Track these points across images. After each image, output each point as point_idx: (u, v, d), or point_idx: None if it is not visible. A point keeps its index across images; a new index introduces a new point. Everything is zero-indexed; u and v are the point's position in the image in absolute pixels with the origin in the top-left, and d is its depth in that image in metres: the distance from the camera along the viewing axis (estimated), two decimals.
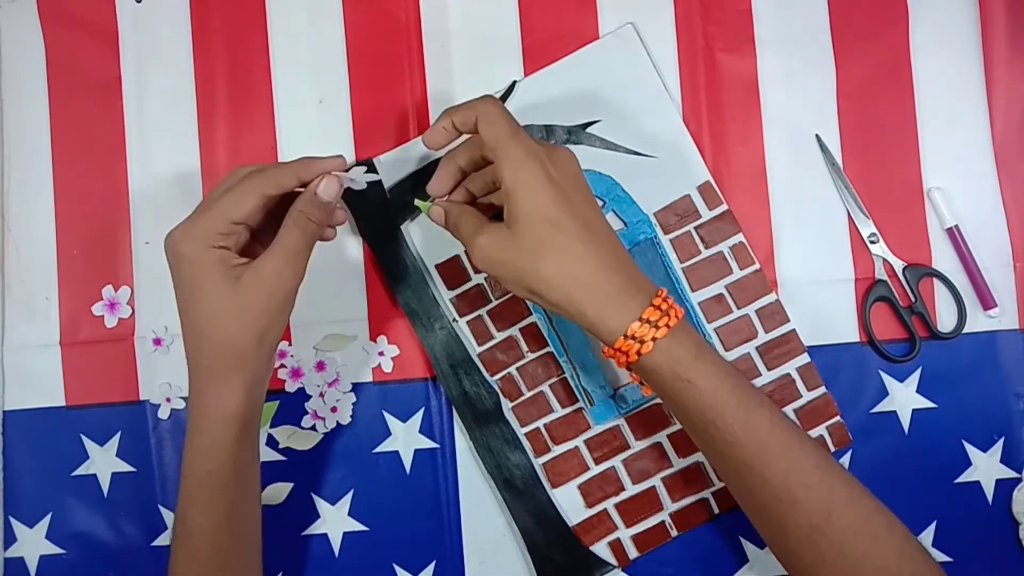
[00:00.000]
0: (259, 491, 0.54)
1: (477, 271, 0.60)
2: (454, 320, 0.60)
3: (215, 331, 0.48)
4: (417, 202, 0.53)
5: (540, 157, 0.47)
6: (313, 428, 0.60)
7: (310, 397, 0.60)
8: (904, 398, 0.59)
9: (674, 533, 0.59)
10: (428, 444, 0.60)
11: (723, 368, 0.47)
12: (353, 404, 0.60)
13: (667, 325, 0.46)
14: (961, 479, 0.59)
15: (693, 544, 0.59)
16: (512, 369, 0.60)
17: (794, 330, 0.59)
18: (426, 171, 0.60)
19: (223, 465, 0.49)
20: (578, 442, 0.59)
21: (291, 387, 0.60)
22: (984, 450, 0.59)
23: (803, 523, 0.46)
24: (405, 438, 0.60)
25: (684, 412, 0.48)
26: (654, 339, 0.46)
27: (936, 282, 0.60)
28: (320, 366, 0.60)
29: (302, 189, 0.50)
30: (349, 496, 0.60)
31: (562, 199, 0.46)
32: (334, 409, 0.60)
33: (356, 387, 0.61)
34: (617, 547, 0.59)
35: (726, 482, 0.51)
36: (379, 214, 0.60)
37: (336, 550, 0.60)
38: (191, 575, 0.50)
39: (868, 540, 0.46)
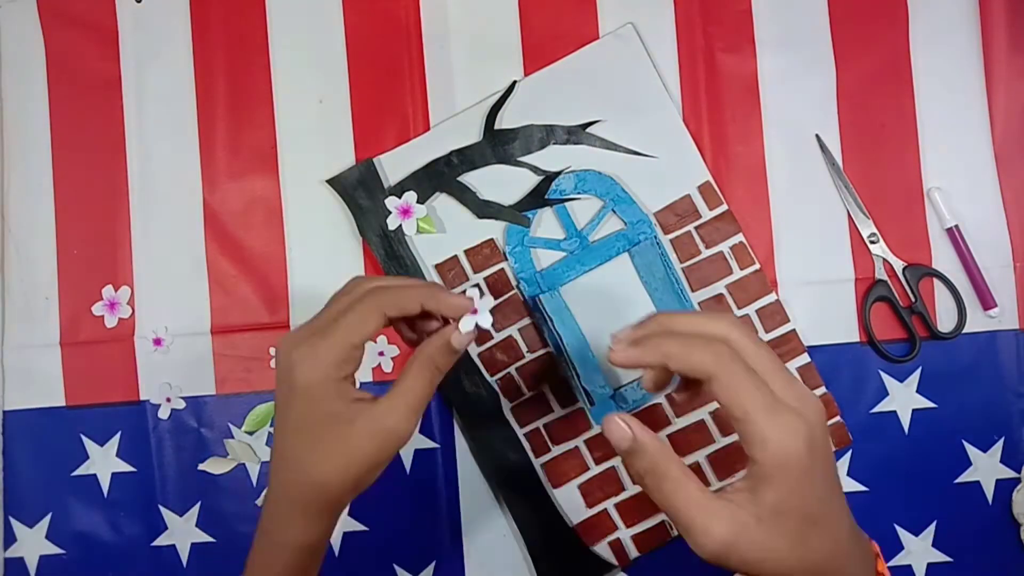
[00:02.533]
0: None
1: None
2: None
3: (314, 471, 0.43)
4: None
5: (803, 437, 0.38)
6: None
7: None
8: (904, 398, 0.59)
9: (674, 533, 0.59)
10: (428, 444, 0.60)
11: None
12: None
13: None
14: (961, 479, 0.59)
15: None
16: (512, 369, 0.60)
17: (794, 330, 0.59)
18: (426, 171, 0.60)
19: None
20: (578, 442, 0.59)
21: None
22: (984, 450, 0.59)
23: None
24: None
25: None
26: None
27: (936, 282, 0.60)
28: None
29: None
30: None
31: (823, 487, 0.39)
32: None
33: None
34: (617, 547, 0.59)
35: None
36: (379, 214, 0.60)
37: (336, 550, 0.60)
38: None
39: None
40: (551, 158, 0.60)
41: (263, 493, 0.46)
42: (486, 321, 0.44)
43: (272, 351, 0.61)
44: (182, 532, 0.61)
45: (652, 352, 0.40)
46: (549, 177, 0.60)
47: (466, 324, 0.44)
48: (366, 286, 0.45)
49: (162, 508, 0.61)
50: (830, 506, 0.39)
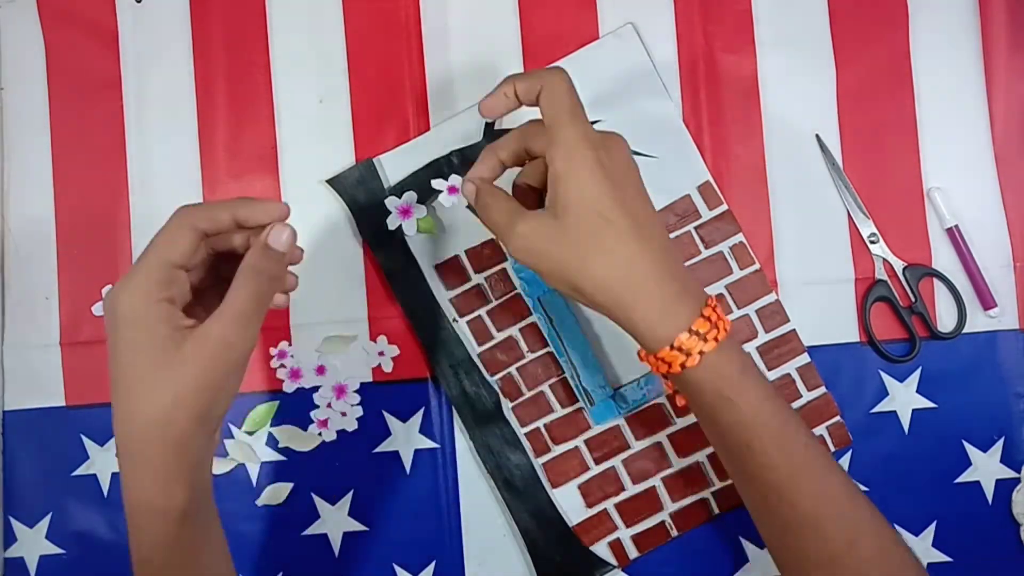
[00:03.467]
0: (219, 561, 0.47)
1: (481, 267, 0.60)
2: (454, 320, 0.60)
3: (147, 409, 0.40)
4: (435, 183, 0.52)
5: (595, 144, 0.44)
6: (318, 434, 0.61)
7: (317, 406, 0.60)
8: (904, 398, 0.59)
9: (674, 533, 0.59)
10: (428, 444, 0.60)
11: (766, 388, 0.45)
12: (358, 417, 0.60)
13: (716, 339, 0.44)
14: (961, 479, 0.59)
15: (693, 544, 0.59)
16: (512, 369, 0.60)
17: (794, 330, 0.59)
18: (426, 171, 0.60)
19: (167, 565, 0.43)
20: (578, 442, 0.59)
21: (289, 387, 0.60)
22: (984, 450, 0.59)
23: (824, 551, 0.45)
24: (405, 438, 0.60)
25: (720, 430, 0.46)
26: (701, 352, 0.43)
27: (936, 282, 0.60)
28: (320, 370, 0.60)
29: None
30: (349, 496, 0.60)
31: (615, 192, 0.44)
32: (343, 414, 0.60)
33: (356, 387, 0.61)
34: (617, 547, 0.59)
35: (749, 504, 0.49)
36: (379, 214, 0.60)
37: (336, 550, 0.60)
38: None
39: (887, 571, 0.45)
40: None
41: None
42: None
43: (272, 351, 0.61)
44: None
45: (506, 84, 0.47)
46: None
47: (281, 225, 0.43)
48: (178, 210, 0.43)
49: None
50: (625, 214, 0.44)
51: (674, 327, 0.44)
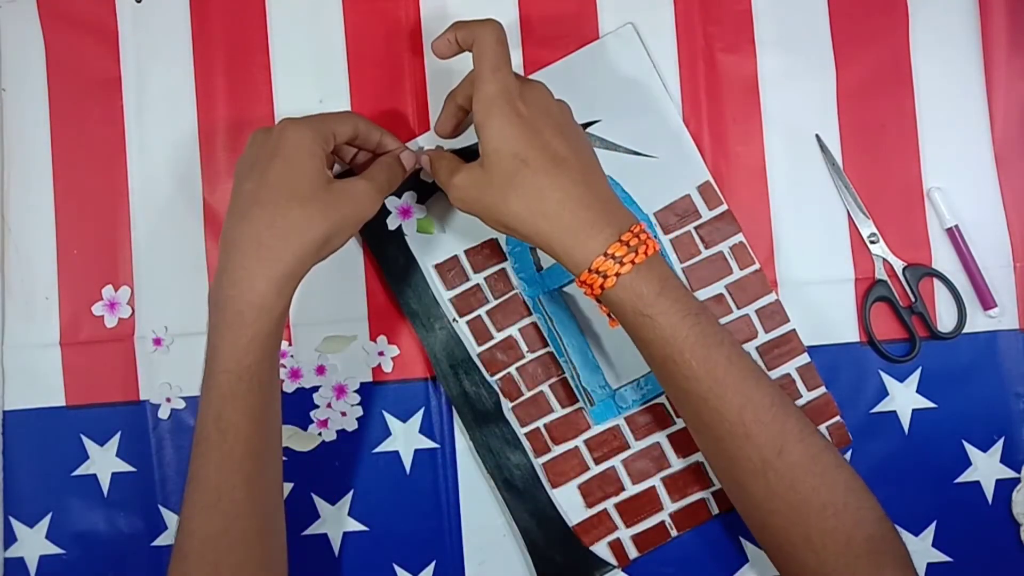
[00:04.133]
0: (280, 395, 0.53)
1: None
2: (454, 320, 0.60)
3: (295, 221, 0.48)
4: (388, 201, 0.57)
5: (511, 93, 0.48)
6: (318, 434, 0.61)
7: (317, 406, 0.60)
8: (904, 398, 0.59)
9: (674, 533, 0.59)
10: (428, 444, 0.60)
11: (686, 305, 0.48)
12: (358, 417, 0.60)
13: (632, 261, 0.47)
14: (961, 479, 0.59)
15: (693, 544, 0.59)
16: (512, 369, 0.60)
17: (794, 330, 0.59)
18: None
19: (262, 360, 0.48)
20: (578, 442, 0.59)
21: (289, 387, 0.60)
22: (984, 450, 0.59)
23: (755, 457, 0.47)
24: (405, 438, 0.60)
25: (644, 345, 0.49)
26: (617, 274, 0.47)
27: (936, 282, 0.60)
28: (320, 370, 0.60)
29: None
30: (349, 496, 0.60)
31: (530, 134, 0.48)
32: (343, 414, 0.60)
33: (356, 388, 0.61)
34: (617, 547, 0.59)
35: (683, 417, 0.52)
36: (379, 214, 0.60)
37: (336, 550, 0.60)
38: (224, 475, 0.48)
39: (817, 476, 0.47)
40: None
41: (215, 281, 0.48)
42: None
43: None
44: None
45: (450, 29, 0.52)
46: None
47: (411, 154, 0.55)
48: (346, 113, 0.55)
49: (162, 508, 0.61)
50: (540, 153, 0.48)
51: (591, 251, 0.47)
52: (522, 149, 0.48)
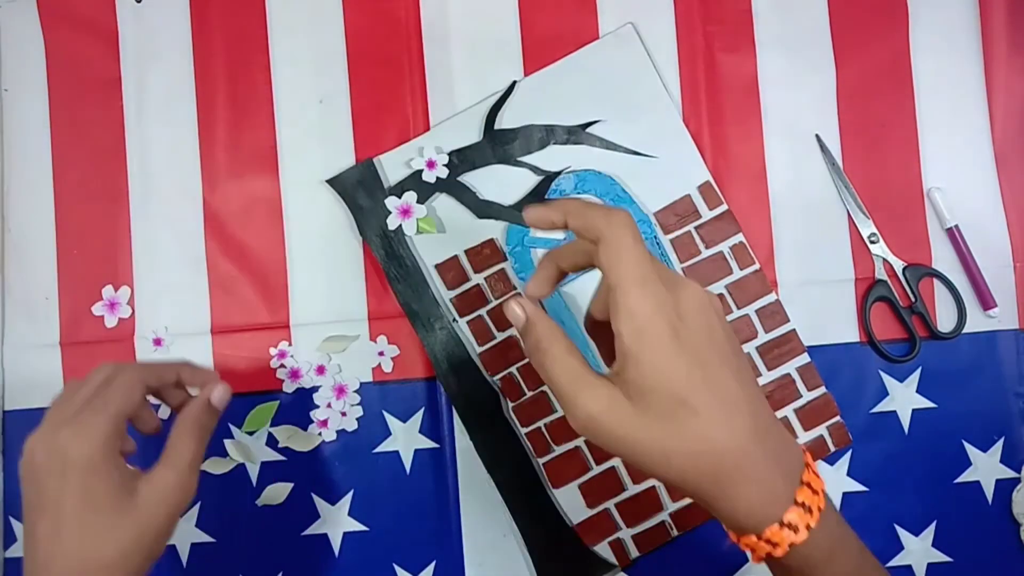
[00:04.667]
0: None
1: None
2: (454, 320, 0.60)
3: (104, 552, 0.42)
4: (388, 201, 0.51)
5: (669, 314, 0.38)
6: (318, 434, 0.61)
7: (317, 406, 0.60)
8: (904, 398, 0.59)
9: (674, 533, 0.59)
10: (428, 444, 0.60)
11: (855, 563, 0.41)
12: (358, 417, 0.60)
13: (807, 526, 0.38)
14: (961, 479, 0.59)
15: (693, 544, 0.59)
16: (512, 369, 0.60)
17: (794, 330, 0.59)
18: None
19: None
20: (579, 442, 0.59)
21: (289, 387, 0.60)
22: (984, 450, 0.59)
23: None
24: (405, 438, 0.60)
25: None
26: (792, 544, 0.38)
27: (936, 282, 0.60)
28: (320, 370, 0.60)
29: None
30: (349, 496, 0.60)
31: (697, 371, 0.37)
32: (343, 414, 0.60)
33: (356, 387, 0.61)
34: (618, 547, 0.59)
35: None
36: (379, 214, 0.60)
37: (336, 550, 0.60)
38: None
39: None
40: (551, 158, 0.60)
41: None
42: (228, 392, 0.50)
43: (272, 351, 0.61)
44: (183, 532, 0.61)
45: (556, 210, 0.41)
46: (549, 177, 0.60)
47: (224, 386, 0.50)
48: (112, 366, 0.47)
49: None
50: (710, 397, 0.37)
51: (765, 518, 0.38)
52: (689, 393, 0.37)
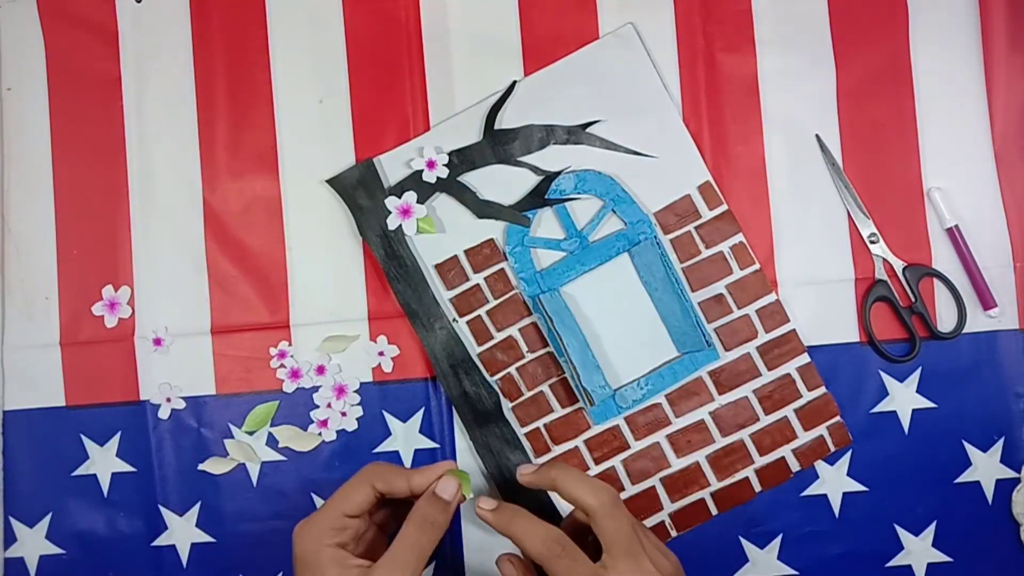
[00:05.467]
0: None
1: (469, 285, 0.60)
2: (454, 320, 0.60)
3: None
4: (388, 201, 0.50)
5: (637, 529, 0.47)
6: (319, 434, 0.61)
7: (317, 406, 0.60)
8: (904, 398, 0.59)
9: (674, 533, 0.59)
10: (428, 444, 0.60)
11: None
12: (358, 417, 0.60)
13: None
14: (961, 479, 0.59)
15: (693, 544, 0.59)
16: (512, 369, 0.60)
17: (794, 330, 0.59)
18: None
19: None
20: (578, 442, 0.59)
21: (289, 387, 0.60)
22: (984, 450, 0.59)
23: None
24: (405, 438, 0.60)
25: None
26: None
27: (936, 282, 0.60)
28: (320, 370, 0.60)
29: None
30: None
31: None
32: (343, 414, 0.60)
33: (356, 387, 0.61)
34: None
35: None
36: (379, 214, 0.60)
37: None
38: None
39: None
40: (551, 158, 0.60)
41: None
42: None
43: (272, 351, 0.61)
44: (182, 532, 0.61)
45: (543, 477, 0.50)
46: (549, 177, 0.60)
47: (450, 477, 0.50)
48: (367, 468, 0.49)
49: (162, 508, 0.61)
50: None
51: None
52: None
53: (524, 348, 0.60)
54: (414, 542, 0.47)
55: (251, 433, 0.61)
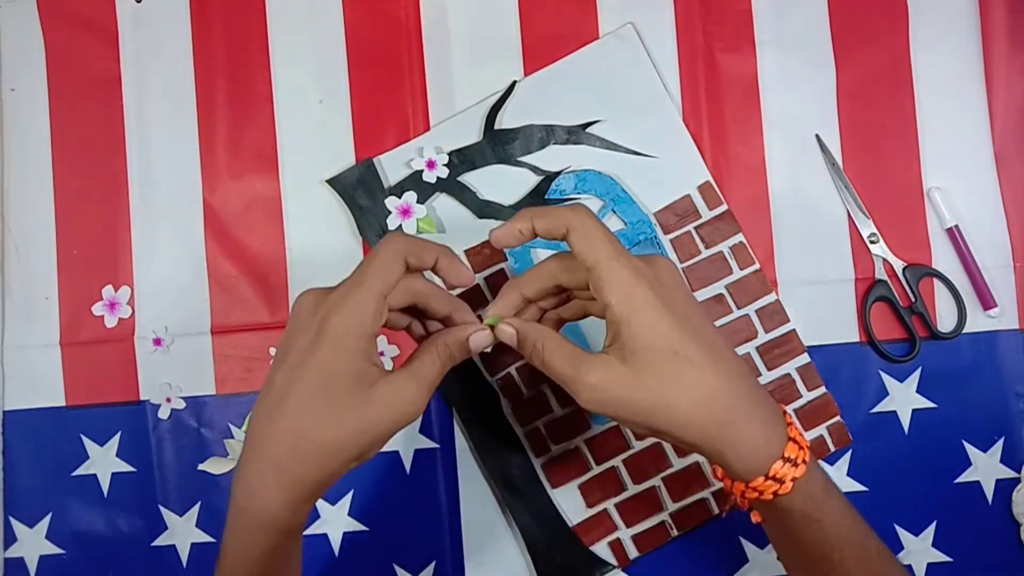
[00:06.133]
0: None
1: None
2: None
3: (328, 431, 0.41)
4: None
5: (648, 278, 0.42)
6: None
7: None
8: (904, 398, 0.59)
9: (674, 533, 0.59)
10: (428, 444, 0.60)
11: (844, 501, 0.44)
12: None
13: (804, 460, 0.42)
14: (961, 479, 0.59)
15: (693, 544, 0.59)
16: (512, 369, 0.60)
17: (794, 330, 0.59)
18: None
19: (271, 570, 0.43)
20: (578, 442, 0.59)
21: None
22: (984, 450, 0.59)
23: None
24: (405, 438, 0.60)
25: (802, 546, 0.44)
26: (794, 479, 0.41)
27: (936, 282, 0.60)
28: None
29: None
30: (349, 496, 0.60)
31: (682, 324, 0.41)
32: None
33: None
34: (617, 547, 0.59)
35: None
36: (379, 214, 0.60)
37: (336, 550, 0.60)
38: None
39: None
40: (551, 158, 0.60)
41: (237, 463, 0.42)
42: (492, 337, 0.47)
43: (272, 350, 0.61)
44: (182, 532, 0.61)
45: (520, 219, 0.44)
46: (549, 177, 0.60)
47: (486, 333, 0.46)
48: (384, 239, 0.45)
49: (162, 508, 0.61)
50: (698, 345, 0.41)
51: (767, 457, 0.41)
52: (680, 343, 0.41)
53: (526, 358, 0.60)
54: (437, 369, 0.44)
55: None
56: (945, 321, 0.60)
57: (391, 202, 0.60)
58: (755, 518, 0.45)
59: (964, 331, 0.59)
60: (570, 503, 0.59)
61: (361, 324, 0.41)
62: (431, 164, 0.60)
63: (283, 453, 0.41)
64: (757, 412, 0.42)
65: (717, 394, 0.41)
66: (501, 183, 0.60)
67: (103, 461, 0.61)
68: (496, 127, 0.60)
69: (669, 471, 0.59)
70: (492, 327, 0.47)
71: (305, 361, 0.41)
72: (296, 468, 0.41)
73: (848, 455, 0.59)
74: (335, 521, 0.60)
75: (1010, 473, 0.59)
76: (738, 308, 0.59)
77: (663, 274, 0.43)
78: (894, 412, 0.59)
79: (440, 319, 0.48)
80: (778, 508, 0.43)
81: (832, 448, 0.58)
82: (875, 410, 0.59)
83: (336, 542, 0.60)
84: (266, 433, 0.41)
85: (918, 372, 0.59)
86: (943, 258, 0.60)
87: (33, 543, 0.61)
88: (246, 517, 0.42)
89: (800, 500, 0.42)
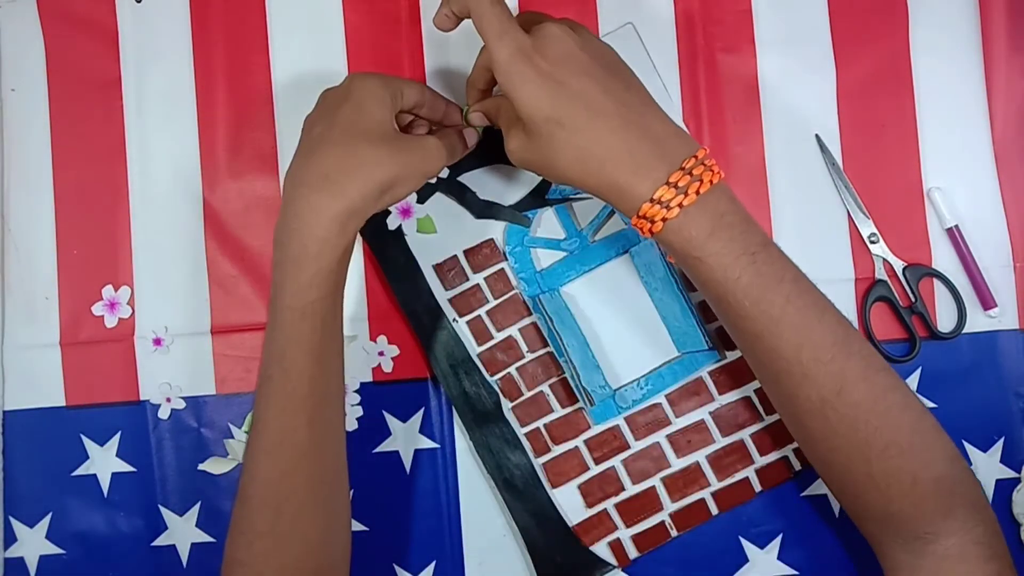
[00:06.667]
0: (342, 337, 0.52)
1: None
2: (454, 320, 0.60)
3: (363, 151, 0.48)
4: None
5: (527, 52, 0.46)
6: None
7: None
8: None
9: (674, 533, 0.59)
10: (428, 444, 0.60)
11: (740, 245, 0.46)
12: (358, 417, 0.60)
13: (680, 204, 0.45)
14: None
15: (693, 544, 0.59)
16: (512, 369, 0.60)
17: None
18: None
19: (324, 296, 0.48)
20: (578, 442, 0.59)
21: None
22: (984, 450, 0.59)
23: (813, 396, 0.47)
24: (405, 438, 0.60)
25: (698, 284, 0.49)
26: (664, 219, 0.45)
27: (936, 282, 0.60)
28: None
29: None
30: (349, 496, 0.60)
31: (556, 91, 0.46)
32: None
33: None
34: (617, 547, 0.59)
35: (742, 349, 0.51)
36: (379, 214, 0.60)
37: None
38: (287, 416, 0.48)
39: (880, 416, 0.46)
40: None
41: (279, 219, 0.48)
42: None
43: None
44: (182, 532, 0.61)
45: (444, 5, 0.51)
46: None
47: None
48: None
49: (162, 508, 0.61)
50: (571, 109, 0.46)
51: (638, 197, 0.46)
52: (552, 110, 0.46)
53: (524, 348, 0.60)
54: (452, 142, 0.53)
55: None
56: (945, 321, 0.59)
57: None
58: (669, 258, 0.54)
59: (964, 331, 0.59)
60: (570, 503, 0.59)
61: (383, 90, 0.50)
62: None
63: (330, 166, 0.47)
64: (633, 160, 0.46)
65: (590, 152, 0.46)
66: (501, 183, 0.60)
67: (103, 461, 0.61)
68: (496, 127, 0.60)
69: (669, 471, 0.59)
70: (468, 121, 0.56)
71: (338, 111, 0.49)
72: (341, 179, 0.47)
73: None
74: None
75: (1010, 473, 0.58)
76: None
77: (548, 45, 0.46)
78: None
79: (437, 122, 0.56)
80: (665, 245, 0.48)
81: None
82: None
83: None
84: (310, 164, 0.48)
85: (918, 372, 0.59)
86: (943, 258, 0.60)
87: (33, 543, 0.61)
88: (299, 239, 0.47)
89: (678, 239, 0.46)
